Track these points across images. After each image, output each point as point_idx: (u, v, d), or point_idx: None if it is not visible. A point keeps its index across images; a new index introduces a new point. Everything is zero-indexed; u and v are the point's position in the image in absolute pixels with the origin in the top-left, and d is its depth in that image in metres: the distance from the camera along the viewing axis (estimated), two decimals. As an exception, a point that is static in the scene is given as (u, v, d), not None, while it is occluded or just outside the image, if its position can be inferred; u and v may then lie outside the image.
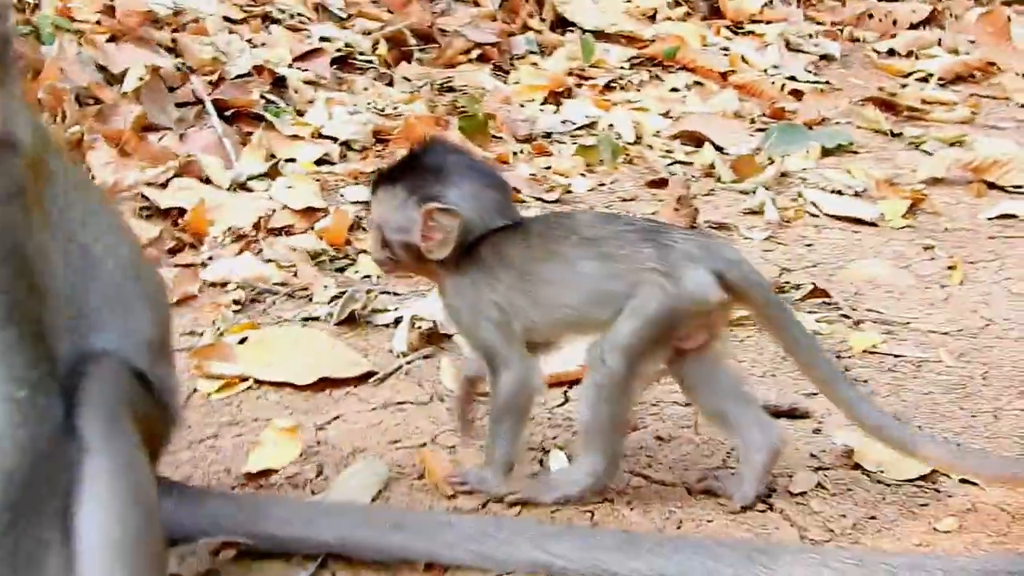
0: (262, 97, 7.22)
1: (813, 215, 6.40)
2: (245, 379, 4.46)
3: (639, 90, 8.76)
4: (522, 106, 8.10)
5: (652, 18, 9.84)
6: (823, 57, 9.80)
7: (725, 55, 9.40)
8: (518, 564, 3.30)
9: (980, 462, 3.78)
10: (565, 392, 4.44)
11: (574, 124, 7.91)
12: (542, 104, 8.24)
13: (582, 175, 7.04)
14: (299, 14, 8.38)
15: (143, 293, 3.03)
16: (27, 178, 2.64)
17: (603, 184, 6.96)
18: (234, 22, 7.96)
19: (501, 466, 3.70)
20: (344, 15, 8.63)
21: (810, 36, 10.15)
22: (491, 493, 3.68)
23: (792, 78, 9.13)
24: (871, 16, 10.89)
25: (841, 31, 10.49)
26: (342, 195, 6.40)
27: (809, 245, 6.04)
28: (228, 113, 6.94)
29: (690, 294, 3.47)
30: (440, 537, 3.34)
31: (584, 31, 9.33)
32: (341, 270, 5.57)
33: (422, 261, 3.72)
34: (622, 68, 9.01)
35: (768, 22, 10.26)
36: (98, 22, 7.20)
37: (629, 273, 3.51)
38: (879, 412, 3.72)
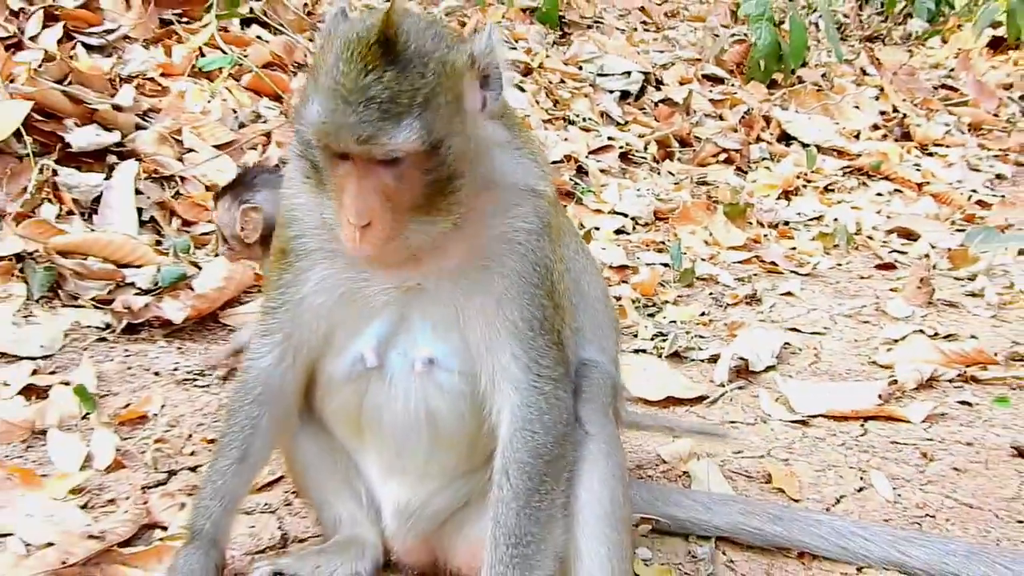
0: (571, 179, 7.25)
1: (1028, 301, 6.11)
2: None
3: (850, 193, 8.57)
4: (762, 200, 7.98)
5: (857, 136, 9.63)
6: (997, 176, 9.46)
7: (917, 170, 9.16)
8: (875, 560, 3.17)
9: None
10: (863, 424, 4.29)
11: (806, 216, 7.77)
12: (776, 199, 8.11)
13: (824, 256, 6.87)
14: (589, 118, 8.40)
15: (610, 320, 3.02)
16: (551, 216, 2.63)
17: (840, 264, 6.80)
18: (545, 121, 8.02)
19: None
20: (623, 121, 8.62)
21: (983, 159, 9.82)
22: None
23: (974, 191, 8.83)
24: (1032, 145, 10.56)
25: (1007, 155, 10.12)
26: (638, 257, 6.36)
27: (1029, 325, 5.77)
28: (548, 190, 6.96)
29: None
30: (813, 531, 3.23)
31: (804, 144, 9.18)
32: (651, 315, 5.52)
33: (245, 246, 4.10)
34: (836, 175, 8.82)
35: (948, 146, 9.97)
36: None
37: None
38: None
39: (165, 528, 3.10)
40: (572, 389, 2.67)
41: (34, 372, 3.99)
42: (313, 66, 2.40)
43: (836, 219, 7.61)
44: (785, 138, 9.41)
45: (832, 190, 8.53)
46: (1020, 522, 3.54)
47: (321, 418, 2.85)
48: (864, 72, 11.45)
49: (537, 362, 2.56)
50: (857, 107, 10.24)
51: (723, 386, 4.61)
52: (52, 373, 4.06)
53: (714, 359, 4.84)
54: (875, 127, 9.96)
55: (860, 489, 3.74)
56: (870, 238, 7.38)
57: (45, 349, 4.20)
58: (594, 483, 2.63)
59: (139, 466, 3.51)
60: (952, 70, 12.57)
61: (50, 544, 2.89)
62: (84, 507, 3.21)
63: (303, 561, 2.81)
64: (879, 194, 8.62)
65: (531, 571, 2.50)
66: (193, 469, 3.51)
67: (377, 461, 2.82)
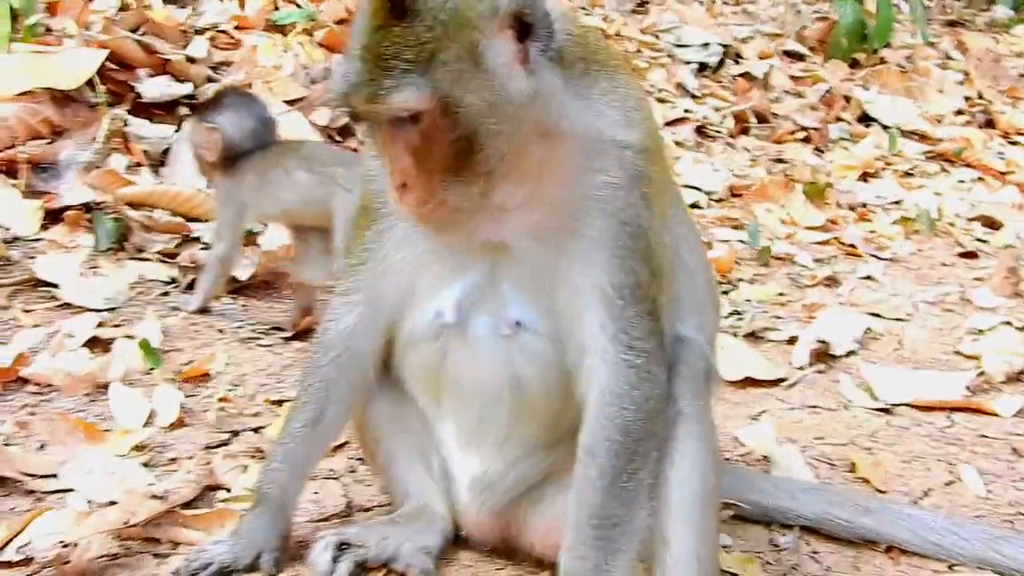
0: (645, 151, 7.06)
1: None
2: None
3: (931, 178, 8.28)
4: (840, 180, 7.72)
5: (939, 121, 9.31)
6: (1082, 168, 9.10)
7: (1001, 158, 8.83)
8: (969, 559, 2.98)
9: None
10: (948, 415, 4.09)
11: (886, 199, 7.50)
12: (855, 180, 7.85)
13: (904, 240, 6.62)
14: (665, 89, 8.19)
15: (711, 296, 2.83)
16: (643, 167, 2.41)
17: (921, 250, 6.55)
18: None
19: None
20: (699, 94, 8.39)
21: (1069, 149, 9.46)
22: None
23: (1058, 182, 8.50)
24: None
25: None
26: (711, 233, 6.16)
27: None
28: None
29: None
30: (904, 525, 3.04)
31: (884, 126, 8.88)
32: (725, 292, 5.32)
33: (210, 166, 4.18)
34: (917, 159, 8.52)
35: (1033, 135, 9.61)
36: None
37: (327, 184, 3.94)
38: None
39: (228, 490, 2.99)
40: (666, 364, 2.49)
41: (99, 324, 3.91)
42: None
43: (917, 204, 7.34)
44: (865, 119, 9.08)
45: (912, 174, 8.23)
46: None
47: (399, 381, 2.71)
48: (949, 56, 11.05)
49: (628, 332, 2.38)
50: (941, 91, 9.88)
51: (802, 369, 4.42)
52: (117, 326, 3.98)
53: (792, 341, 4.65)
54: (959, 112, 9.61)
55: (949, 483, 3.54)
56: (952, 225, 7.10)
57: (110, 302, 4.13)
58: (685, 466, 2.45)
59: (202, 425, 3.41)
60: (1037, 59, 12.16)
61: (112, 503, 2.80)
62: (146, 465, 3.11)
63: (369, 531, 2.69)
64: (961, 181, 8.30)
65: (614, 554, 2.35)
66: (256, 430, 3.40)
67: (455, 428, 2.67)
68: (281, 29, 6.29)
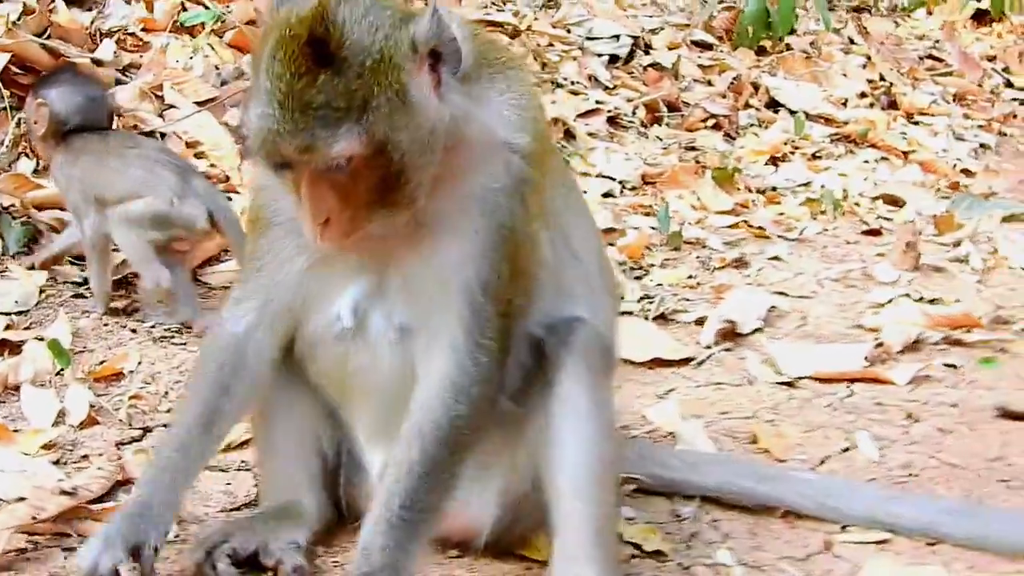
0: (558, 143, 7.13)
1: (1011, 267, 6.02)
2: (591, 354, 4.34)
3: (838, 160, 8.47)
4: (750, 165, 7.88)
5: (844, 104, 9.53)
6: (981, 145, 9.39)
7: (904, 138, 9.06)
8: (859, 519, 3.11)
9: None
10: (848, 386, 4.23)
11: (794, 182, 7.67)
12: (764, 165, 8.01)
13: (811, 221, 6.79)
14: (577, 81, 8.27)
15: (605, 281, 2.91)
16: (526, 171, 2.49)
17: (827, 230, 6.70)
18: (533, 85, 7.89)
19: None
20: (611, 85, 8.49)
21: (968, 129, 9.75)
22: None
23: (959, 159, 8.77)
24: (1015, 116, 10.51)
25: (991, 125, 10.05)
26: (625, 221, 6.26)
27: (1013, 289, 5.68)
28: (536, 153, 6.89)
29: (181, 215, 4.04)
30: (797, 490, 3.17)
31: (792, 111, 9.07)
32: (638, 278, 5.43)
33: (43, 142, 4.26)
34: (824, 142, 8.71)
35: (934, 115, 9.87)
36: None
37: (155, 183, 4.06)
38: None
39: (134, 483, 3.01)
40: (546, 345, 2.60)
41: (7, 327, 3.90)
42: (254, 53, 2.29)
43: (823, 185, 7.51)
44: (773, 105, 9.23)
45: (820, 157, 8.40)
46: (1002, 481, 3.48)
47: (291, 381, 2.75)
48: (852, 41, 11.30)
49: (481, 329, 2.45)
50: (845, 75, 10.10)
51: (709, 348, 4.54)
52: (27, 328, 3.98)
53: (700, 321, 4.76)
54: (862, 95, 9.80)
55: (845, 450, 3.68)
56: (857, 204, 7.28)
57: (20, 304, 4.11)
58: (571, 442, 2.54)
59: (113, 423, 3.43)
60: (937, 41, 12.46)
61: (22, 499, 2.80)
62: (57, 463, 3.14)
63: (232, 526, 2.76)
64: (866, 161, 8.48)
65: (413, 537, 2.43)
66: (167, 426, 3.41)
67: (362, 423, 2.75)
68: (190, 31, 6.25)
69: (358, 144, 2.19)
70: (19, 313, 4.06)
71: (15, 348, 3.77)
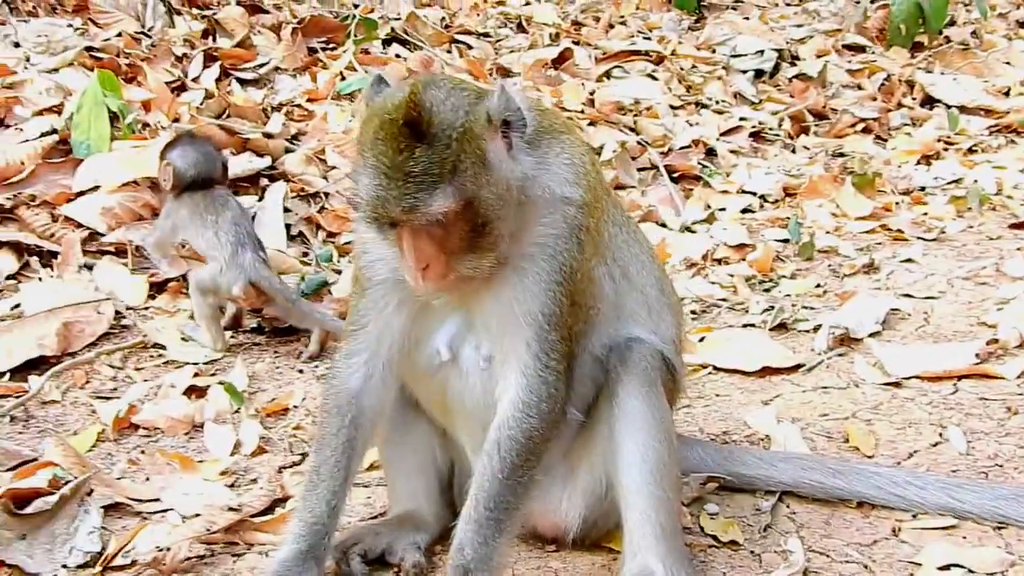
0: (699, 163, 7.50)
1: None
2: (706, 367, 4.74)
3: (996, 152, 8.45)
4: (899, 167, 8.01)
5: (1007, 94, 9.43)
6: None
7: (1071, 123, 8.91)
8: (929, 506, 3.40)
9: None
10: (955, 383, 4.46)
11: (944, 180, 7.75)
12: (916, 165, 8.11)
13: (954, 219, 6.90)
14: (722, 100, 8.60)
15: (668, 303, 3.34)
16: (581, 219, 2.95)
17: (971, 227, 6.81)
18: (676, 108, 8.29)
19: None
20: (756, 100, 8.78)
21: None
22: None
23: None
24: None
25: None
26: (763, 235, 6.57)
27: None
28: (675, 175, 7.30)
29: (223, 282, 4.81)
30: (870, 482, 3.48)
31: (949, 106, 9.08)
32: (767, 290, 5.75)
33: (168, 194, 5.10)
34: (982, 135, 8.70)
35: (1107, 97, 9.61)
36: (581, 111, 7.66)
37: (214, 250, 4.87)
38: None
39: (291, 500, 3.64)
40: (606, 362, 3.08)
41: (196, 375, 4.63)
42: (359, 136, 2.83)
43: (976, 181, 7.55)
44: (929, 102, 9.30)
45: (976, 151, 8.42)
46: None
47: (405, 407, 3.30)
48: (1020, 25, 11.12)
49: (547, 353, 2.90)
50: (1008, 63, 10.00)
51: (821, 354, 4.83)
52: (212, 375, 4.69)
53: (818, 328, 5.05)
54: (1026, 82, 9.72)
55: (935, 444, 3.94)
56: (1009, 197, 7.32)
57: (208, 355, 4.85)
58: (631, 446, 2.99)
59: (279, 451, 4.07)
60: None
61: (197, 515, 3.47)
62: (231, 486, 3.78)
63: (363, 531, 3.32)
64: (1027, 151, 8.46)
65: (499, 534, 2.88)
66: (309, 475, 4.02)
67: (466, 438, 3.25)
68: (348, 96, 7.00)
69: (451, 202, 2.68)
70: (208, 363, 4.80)
71: (201, 392, 4.48)
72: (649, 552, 2.96)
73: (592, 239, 3.01)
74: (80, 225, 5.48)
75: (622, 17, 9.80)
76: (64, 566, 3.22)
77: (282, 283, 5.01)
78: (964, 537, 3.32)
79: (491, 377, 3.02)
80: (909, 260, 6.13)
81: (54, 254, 5.36)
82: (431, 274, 2.78)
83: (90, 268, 5.33)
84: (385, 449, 3.43)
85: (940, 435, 4.00)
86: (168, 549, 3.25)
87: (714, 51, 9.23)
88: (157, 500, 3.65)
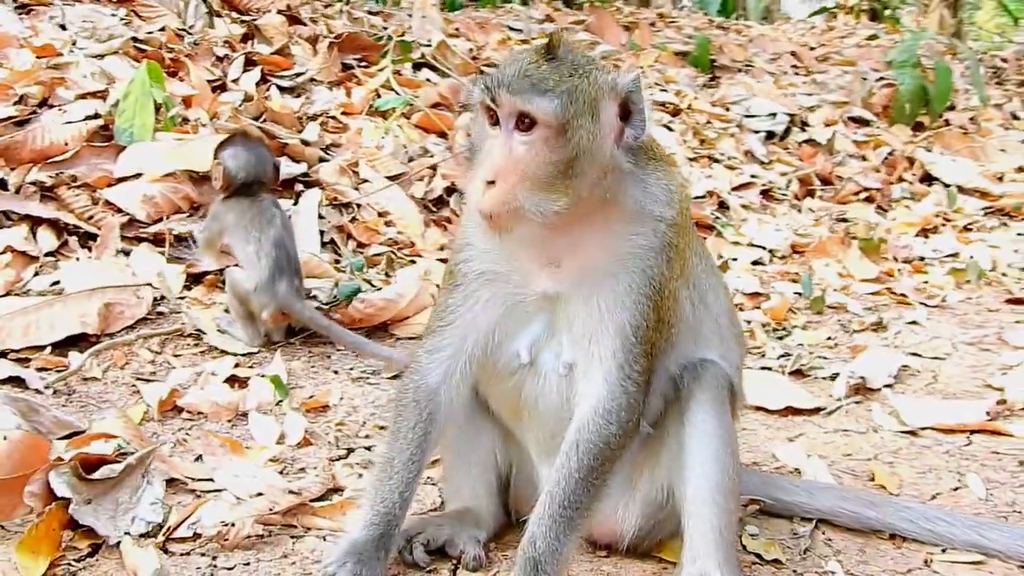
0: (712, 214, 7.74)
1: None
2: (731, 401, 4.92)
3: (990, 232, 8.79)
4: (899, 236, 8.30)
5: (1000, 179, 9.82)
6: None
7: (1062, 212, 9.30)
8: (958, 542, 3.58)
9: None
10: (968, 436, 4.67)
11: (942, 253, 8.06)
12: (915, 236, 8.41)
13: (953, 290, 7.18)
14: (734, 156, 8.88)
15: (735, 333, 3.53)
16: (672, 237, 3.10)
17: (970, 298, 7.09)
18: (691, 159, 8.54)
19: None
20: (766, 160, 9.07)
21: None
22: None
23: (1117, 236, 8.94)
24: None
25: None
26: (773, 287, 6.80)
27: None
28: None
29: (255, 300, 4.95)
30: (901, 515, 3.66)
31: (947, 185, 9.43)
32: (780, 338, 5.97)
33: (218, 193, 5.23)
34: (977, 215, 9.05)
35: (1096, 188, 10.02)
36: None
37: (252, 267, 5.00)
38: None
39: (344, 490, 3.76)
40: (680, 379, 3.24)
41: (236, 365, 4.74)
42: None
43: (972, 256, 7.87)
44: (927, 179, 9.67)
45: (971, 229, 8.76)
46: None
47: (473, 407, 3.42)
48: (1015, 116, 11.57)
49: (631, 364, 3.04)
50: (1003, 150, 10.41)
51: (839, 400, 5.04)
52: (251, 367, 4.80)
53: (834, 376, 5.27)
54: (1020, 169, 10.09)
55: (956, 488, 4.12)
56: (1004, 275, 7.62)
57: (247, 347, 4.96)
58: (703, 456, 3.15)
59: (324, 444, 4.18)
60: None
61: (259, 494, 3.58)
62: (281, 473, 3.89)
63: (425, 523, 3.43)
64: (1019, 234, 8.78)
65: (570, 531, 3.01)
66: (368, 448, 4.16)
67: (534, 442, 3.38)
68: (382, 114, 7.17)
69: (552, 111, 2.82)
70: (245, 355, 4.92)
71: (243, 383, 4.60)
72: (709, 558, 3.11)
73: (680, 259, 3.15)
74: (119, 210, 5.59)
75: (641, 68, 10.10)
76: (127, 533, 3.30)
77: (312, 311, 5.08)
78: (991, 572, 3.50)
79: (568, 384, 3.14)
80: (914, 322, 6.38)
81: (92, 236, 5.46)
82: (495, 191, 2.84)
83: (127, 253, 5.44)
84: (450, 448, 3.56)
85: (959, 480, 4.19)
86: (232, 524, 3.36)
87: (728, 109, 9.54)
88: (210, 480, 3.74)
